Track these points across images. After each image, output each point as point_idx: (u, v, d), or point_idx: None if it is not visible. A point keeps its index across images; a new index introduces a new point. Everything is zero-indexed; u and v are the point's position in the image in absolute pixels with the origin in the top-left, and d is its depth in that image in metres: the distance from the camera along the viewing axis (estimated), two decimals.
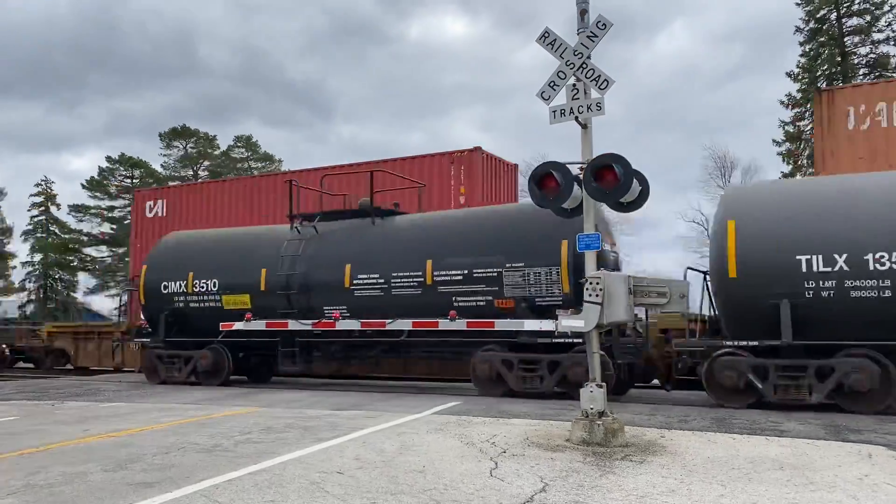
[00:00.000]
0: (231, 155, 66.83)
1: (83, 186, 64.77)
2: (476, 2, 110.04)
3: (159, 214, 22.64)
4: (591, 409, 7.34)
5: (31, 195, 66.76)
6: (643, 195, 7.93)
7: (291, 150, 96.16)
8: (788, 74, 41.26)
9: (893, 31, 38.64)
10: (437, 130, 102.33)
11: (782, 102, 40.60)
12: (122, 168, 65.50)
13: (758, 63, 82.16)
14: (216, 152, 67.09)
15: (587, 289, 7.45)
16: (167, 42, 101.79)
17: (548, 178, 7.74)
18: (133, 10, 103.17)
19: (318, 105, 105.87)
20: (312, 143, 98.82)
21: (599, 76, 7.69)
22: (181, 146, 67.07)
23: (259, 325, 14.36)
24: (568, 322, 7.64)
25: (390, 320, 13.02)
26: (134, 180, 63.37)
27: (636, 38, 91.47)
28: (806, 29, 40.67)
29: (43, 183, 66.98)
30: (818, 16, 40.35)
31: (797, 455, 6.75)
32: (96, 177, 64.93)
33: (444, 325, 12.53)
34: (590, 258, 7.72)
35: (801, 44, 40.96)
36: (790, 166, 40.53)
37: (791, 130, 40.44)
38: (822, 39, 40.34)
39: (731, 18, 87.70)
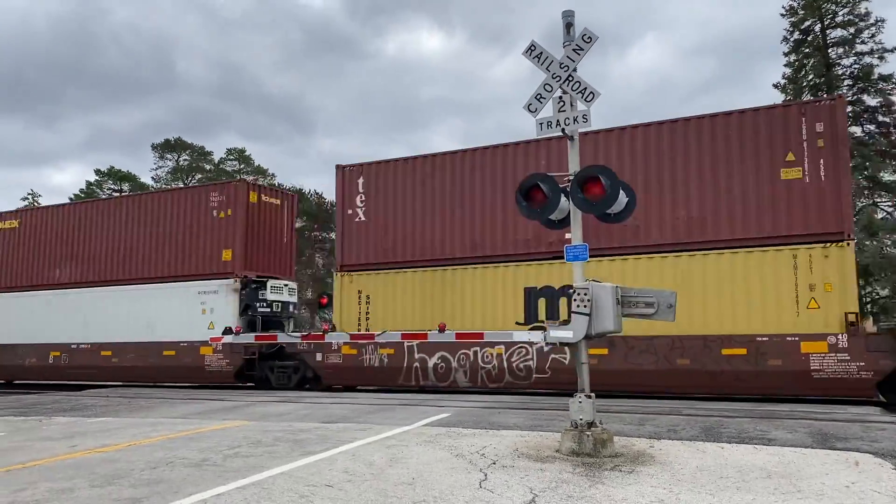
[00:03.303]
0: (223, 167, 66.75)
1: (71, 201, 64.53)
2: (451, 18, 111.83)
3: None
4: (581, 419, 7.36)
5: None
6: (630, 206, 7.99)
7: (271, 162, 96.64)
8: (775, 86, 41.62)
9: (877, 44, 39.08)
10: (416, 143, 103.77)
11: None
12: (110, 181, 65.29)
13: (729, 77, 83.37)
14: (209, 166, 67.04)
15: (575, 300, 7.48)
16: (145, 57, 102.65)
17: (535, 190, 7.79)
18: (110, 25, 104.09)
19: (298, 119, 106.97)
20: (292, 156, 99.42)
21: (585, 88, 7.77)
22: (173, 158, 66.99)
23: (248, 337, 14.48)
24: (556, 333, 7.66)
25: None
26: (122, 193, 63.18)
27: (608, 52, 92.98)
28: (791, 40, 41.10)
29: (30, 197, 66.68)
30: (803, 27, 40.79)
31: (785, 463, 6.79)
32: (84, 190, 64.68)
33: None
34: (577, 269, 7.76)
35: (786, 54, 41.37)
36: None
37: None
38: (807, 50, 40.76)
39: (702, 33, 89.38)
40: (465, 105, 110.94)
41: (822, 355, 13.01)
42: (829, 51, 40.41)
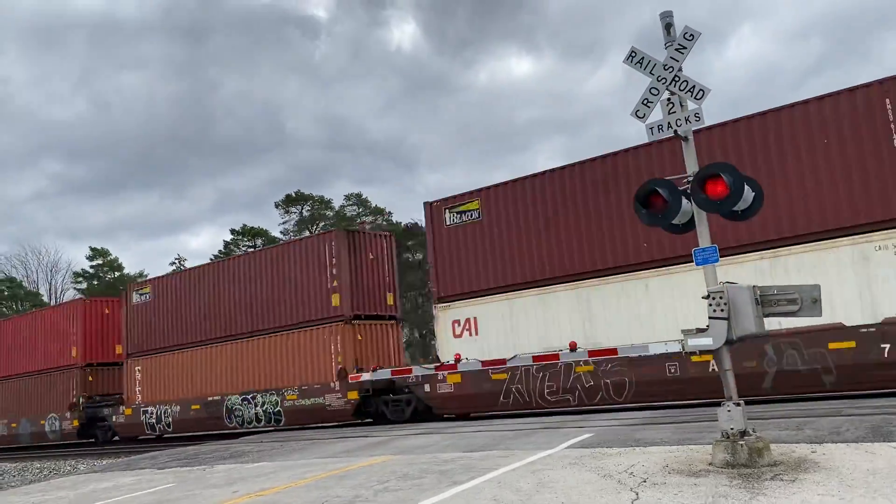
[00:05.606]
0: (344, 213, 69.51)
1: (213, 260, 69.09)
2: (538, 40, 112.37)
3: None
4: (731, 429, 7.01)
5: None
6: (757, 201, 7.62)
7: (383, 202, 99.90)
8: None
9: None
10: (520, 165, 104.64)
11: None
12: (244, 238, 69.45)
13: (839, 55, 78.33)
14: (330, 213, 70.04)
15: (710, 304, 7.18)
16: (257, 122, 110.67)
17: (653, 196, 7.59)
18: (221, 98, 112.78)
19: (402, 159, 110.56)
20: (401, 194, 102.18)
21: (694, 87, 7.54)
22: (297, 211, 70.58)
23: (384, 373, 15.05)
24: (695, 341, 7.36)
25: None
26: (257, 248, 66.93)
27: (705, 49, 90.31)
28: None
29: (177, 261, 72.10)
30: None
31: None
32: (223, 249, 69.10)
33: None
34: (709, 272, 7.46)
35: None
36: None
37: None
38: None
39: (801, 15, 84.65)
40: (563, 122, 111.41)
41: None
42: None
